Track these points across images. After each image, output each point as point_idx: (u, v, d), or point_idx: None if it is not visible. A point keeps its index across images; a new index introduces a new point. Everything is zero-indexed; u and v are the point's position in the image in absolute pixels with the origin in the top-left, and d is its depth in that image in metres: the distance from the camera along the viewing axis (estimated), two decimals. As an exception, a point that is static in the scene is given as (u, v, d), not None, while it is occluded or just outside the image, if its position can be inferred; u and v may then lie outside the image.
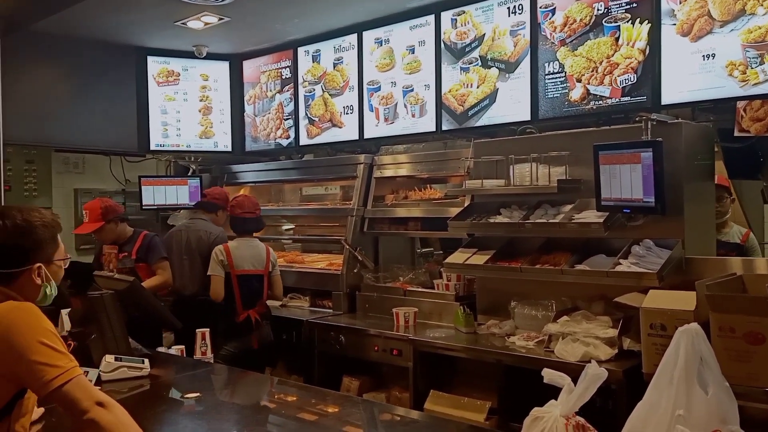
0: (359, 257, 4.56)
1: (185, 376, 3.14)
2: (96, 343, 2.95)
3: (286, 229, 5.66)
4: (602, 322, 3.16)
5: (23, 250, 1.84)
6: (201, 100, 5.84)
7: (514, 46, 4.04)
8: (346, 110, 5.05)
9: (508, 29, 4.07)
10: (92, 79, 5.39)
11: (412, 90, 4.60)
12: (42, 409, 2.27)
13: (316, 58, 5.27)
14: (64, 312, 3.41)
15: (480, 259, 3.71)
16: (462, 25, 4.31)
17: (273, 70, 5.63)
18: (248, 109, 5.88)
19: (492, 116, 4.17)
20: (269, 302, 4.35)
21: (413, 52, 4.60)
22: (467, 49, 4.29)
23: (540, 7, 3.91)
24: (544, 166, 3.58)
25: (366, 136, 4.93)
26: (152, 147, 5.71)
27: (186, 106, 5.79)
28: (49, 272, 1.89)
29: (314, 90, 5.29)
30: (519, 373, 3.19)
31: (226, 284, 4.11)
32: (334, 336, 4.18)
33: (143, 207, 5.63)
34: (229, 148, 5.95)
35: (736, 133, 3.40)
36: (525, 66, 4.00)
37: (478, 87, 4.23)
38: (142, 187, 5.62)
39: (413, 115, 4.61)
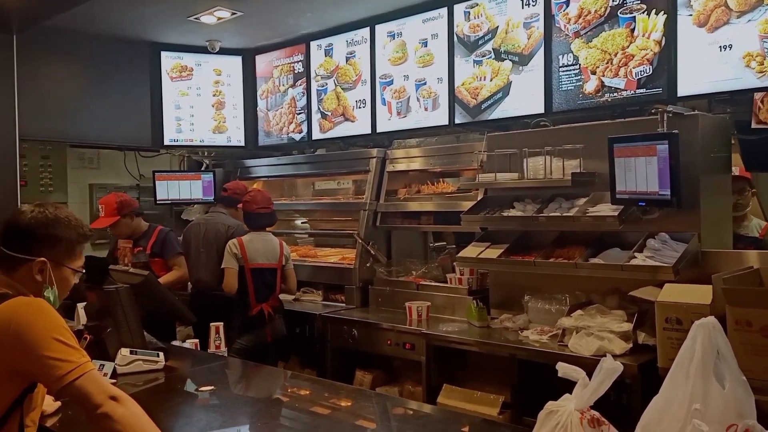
0: (372, 251, 4.56)
1: (200, 369, 3.16)
2: (111, 337, 2.97)
3: (302, 223, 5.66)
4: (617, 316, 3.13)
5: (32, 237, 1.82)
6: (214, 95, 5.86)
7: (528, 39, 4.01)
8: (358, 104, 5.05)
9: (522, 21, 4.04)
10: (107, 75, 5.42)
11: (425, 83, 4.59)
12: (58, 403, 2.30)
13: (328, 52, 5.26)
14: (80, 306, 3.45)
15: (493, 253, 3.69)
16: (475, 18, 4.28)
17: (286, 64, 5.63)
18: (261, 104, 5.89)
19: (505, 109, 4.14)
20: (282, 296, 4.37)
21: (426, 46, 4.58)
22: (480, 42, 4.26)
23: (554, -1, 3.88)
24: (558, 160, 3.55)
25: (378, 130, 4.92)
26: (166, 142, 5.74)
27: (199, 101, 5.81)
28: (54, 275, 1.84)
29: (327, 84, 5.28)
30: (532, 368, 3.18)
31: (240, 278, 4.13)
32: (347, 330, 4.19)
33: (157, 202, 5.67)
34: (242, 143, 5.97)
35: (754, 125, 3.35)
36: (539, 58, 3.96)
37: (491, 80, 4.20)
38: (156, 182, 5.66)
39: (426, 109, 4.59)
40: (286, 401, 2.72)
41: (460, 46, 4.37)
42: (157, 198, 5.66)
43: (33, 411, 1.83)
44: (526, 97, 4.03)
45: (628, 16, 3.58)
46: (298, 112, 5.53)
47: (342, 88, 5.16)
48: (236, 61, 5.89)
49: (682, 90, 3.41)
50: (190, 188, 5.73)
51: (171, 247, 4.37)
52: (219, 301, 4.18)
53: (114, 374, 2.76)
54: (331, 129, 5.27)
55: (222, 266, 4.18)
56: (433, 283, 4.27)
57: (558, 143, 3.57)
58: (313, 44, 5.38)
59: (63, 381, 1.64)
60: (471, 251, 3.80)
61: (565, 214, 3.45)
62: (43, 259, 1.83)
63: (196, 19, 4.90)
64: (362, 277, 4.58)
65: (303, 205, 5.57)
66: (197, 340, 3.56)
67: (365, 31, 4.97)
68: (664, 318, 2.72)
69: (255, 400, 2.84)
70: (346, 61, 5.12)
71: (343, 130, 5.18)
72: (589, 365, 1.84)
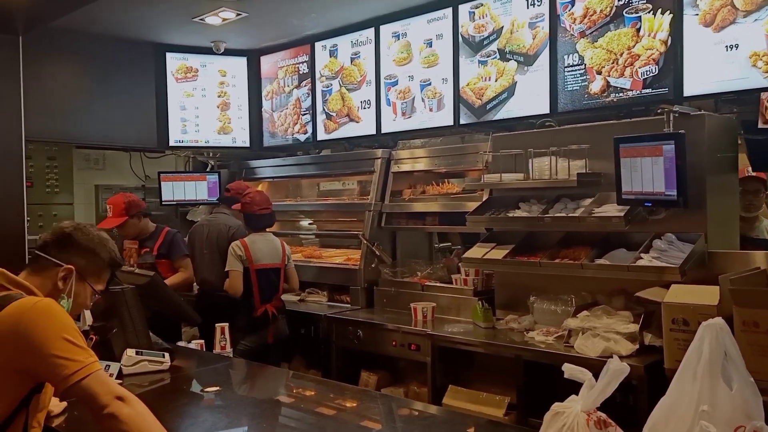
0: (377, 252, 4.56)
1: (205, 370, 3.16)
2: (117, 338, 2.98)
3: (309, 224, 5.67)
4: (623, 317, 3.12)
5: (71, 244, 1.91)
6: (219, 96, 5.87)
7: (533, 39, 4.01)
8: (363, 105, 5.05)
9: (527, 21, 4.03)
10: (112, 76, 5.44)
11: (430, 84, 4.58)
12: (65, 403, 2.30)
13: (333, 53, 5.27)
14: (86, 306, 3.44)
15: (499, 253, 3.68)
16: (480, 18, 4.27)
17: (290, 65, 5.64)
18: (266, 105, 5.90)
19: (510, 110, 4.14)
20: (285, 296, 4.37)
21: (431, 46, 4.58)
22: (485, 42, 4.25)
23: (559, -1, 3.87)
24: (564, 160, 3.54)
25: (383, 130, 4.92)
26: (171, 143, 5.76)
27: (204, 102, 5.82)
28: (75, 288, 1.89)
29: (331, 85, 5.28)
30: (538, 369, 3.17)
31: (245, 279, 4.13)
32: (352, 331, 4.19)
33: (163, 203, 5.69)
34: (247, 144, 5.97)
35: (760, 125, 3.33)
36: (544, 59, 3.96)
37: (496, 80, 4.19)
38: (162, 183, 5.68)
39: (431, 109, 4.59)
40: (291, 402, 2.72)
41: (465, 47, 4.37)
42: (163, 199, 5.67)
43: (39, 412, 1.83)
44: (531, 97, 4.03)
45: (634, 15, 3.57)
46: (303, 112, 5.54)
47: (347, 89, 5.16)
48: (241, 62, 5.90)
49: (689, 90, 3.40)
50: (196, 189, 5.74)
51: (178, 248, 4.37)
52: (224, 301, 4.18)
53: (120, 375, 2.76)
54: (336, 130, 5.27)
55: (226, 269, 4.16)
56: (438, 284, 4.26)
57: (563, 143, 3.56)
58: (318, 45, 5.38)
59: (70, 380, 1.64)
60: (476, 252, 3.79)
61: (570, 215, 3.44)
62: (71, 267, 1.89)
63: (201, 20, 4.91)
64: (367, 278, 4.58)
65: (308, 206, 5.58)
66: (202, 341, 3.57)
67: (370, 32, 4.97)
68: (670, 319, 2.70)
69: (260, 400, 2.84)
70: (351, 62, 5.12)
71: (348, 130, 5.18)
72: (595, 366, 1.84)
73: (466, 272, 4.09)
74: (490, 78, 4.23)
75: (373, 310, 4.48)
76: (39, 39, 4.83)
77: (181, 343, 3.64)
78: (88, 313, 3.34)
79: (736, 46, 3.22)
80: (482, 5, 4.25)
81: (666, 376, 2.65)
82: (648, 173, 3.08)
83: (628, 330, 3.00)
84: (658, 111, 3.23)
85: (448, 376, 3.61)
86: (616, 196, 3.27)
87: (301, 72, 5.55)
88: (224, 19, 4.90)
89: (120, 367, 2.81)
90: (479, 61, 4.29)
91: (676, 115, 3.14)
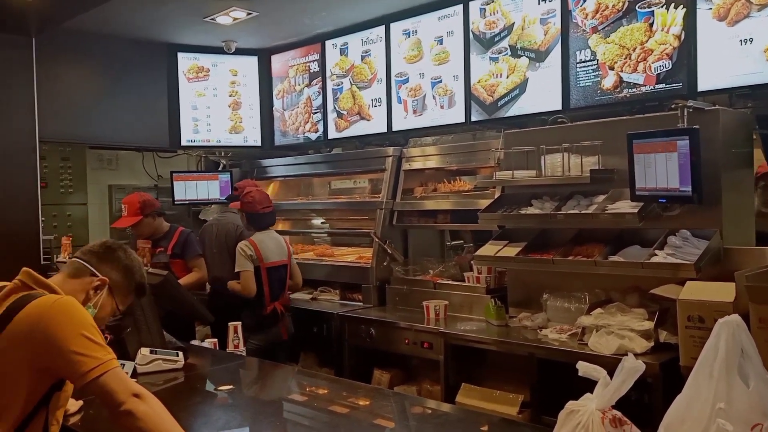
0: (389, 250, 4.56)
1: (218, 368, 3.18)
2: (131, 337, 3.00)
3: (321, 223, 5.68)
4: (637, 314, 3.10)
5: (112, 259, 1.99)
6: (230, 96, 5.89)
7: (545, 35, 3.98)
8: (374, 103, 5.04)
9: (538, 17, 4.01)
10: (124, 77, 5.48)
11: (441, 81, 4.57)
12: (80, 402, 2.32)
13: (343, 51, 5.26)
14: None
15: (511, 251, 3.67)
16: (491, 15, 4.26)
17: (301, 64, 5.64)
18: (277, 104, 5.91)
19: (522, 106, 4.12)
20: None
21: (441, 43, 4.56)
22: (496, 39, 4.23)
23: (571, -6, 3.84)
24: (576, 156, 3.52)
25: (394, 128, 4.92)
26: (183, 143, 5.79)
27: (216, 101, 5.84)
28: (104, 299, 1.95)
29: (342, 83, 5.28)
30: (552, 367, 3.15)
31: (256, 278, 4.13)
32: (365, 329, 4.19)
33: (175, 202, 5.72)
34: (259, 143, 5.99)
35: (776, 120, 3.31)
36: (556, 54, 3.93)
37: (507, 77, 4.18)
38: (174, 183, 5.70)
39: (442, 107, 4.58)
40: (304, 400, 2.72)
41: (475, 43, 4.35)
42: (175, 198, 5.70)
43: (58, 410, 1.86)
44: (543, 93, 4.00)
45: (647, 10, 3.54)
46: (313, 111, 5.54)
47: (357, 87, 5.16)
48: (252, 61, 5.92)
49: (703, 85, 3.37)
50: (208, 188, 5.77)
51: (192, 248, 4.39)
52: (237, 300, 4.19)
53: (134, 374, 2.78)
54: (347, 128, 5.27)
55: (236, 270, 4.14)
56: (450, 282, 4.25)
57: (576, 140, 3.54)
58: (329, 43, 5.38)
59: (87, 377, 1.67)
60: (489, 249, 3.78)
61: (583, 212, 3.41)
62: (106, 278, 1.96)
63: (212, 19, 4.92)
64: (379, 276, 4.58)
65: (319, 205, 5.58)
66: (216, 340, 3.58)
67: (380, 30, 4.96)
68: (686, 316, 2.68)
69: (274, 399, 2.85)
70: (362, 60, 5.11)
71: (359, 129, 5.18)
72: (609, 364, 1.83)
73: (478, 270, 4.08)
74: (501, 75, 4.21)
75: (385, 309, 4.48)
76: (52, 40, 4.87)
77: (194, 342, 3.66)
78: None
79: (751, 41, 3.19)
80: (493, 1, 4.23)
81: (681, 373, 2.63)
82: (662, 169, 3.05)
83: (643, 327, 2.98)
84: (672, 106, 3.20)
85: (460, 374, 3.60)
86: (629, 192, 3.25)
87: (311, 71, 5.55)
88: (235, 19, 4.91)
89: (134, 366, 2.83)
90: (490, 58, 4.27)
91: (690, 110, 3.11)
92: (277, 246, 4.26)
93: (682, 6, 3.41)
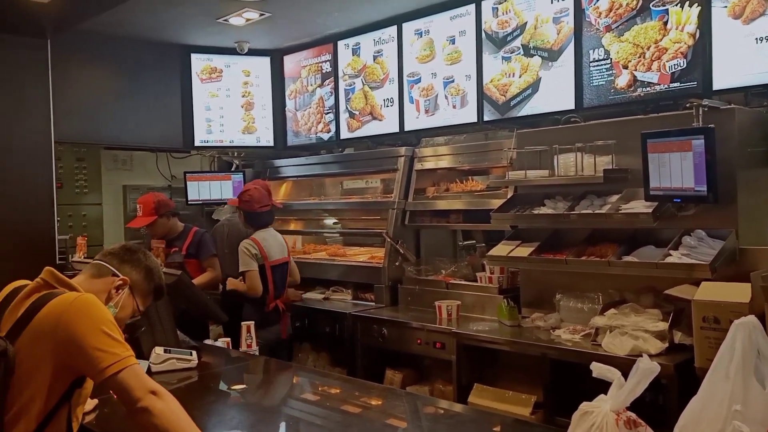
0: (401, 250, 4.56)
1: (232, 368, 3.20)
2: (146, 336, 3.02)
3: (334, 223, 5.69)
4: (651, 315, 3.08)
5: (133, 261, 2.03)
6: (243, 96, 5.92)
7: (558, 34, 3.96)
8: (386, 103, 5.04)
9: (551, 17, 3.99)
10: (138, 78, 5.51)
11: (453, 81, 4.56)
12: (95, 401, 2.34)
13: (356, 52, 5.27)
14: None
15: (524, 251, 3.65)
16: (503, 14, 4.24)
17: (313, 64, 5.65)
18: (289, 104, 5.93)
19: (535, 106, 4.10)
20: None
21: (454, 43, 4.55)
22: (509, 38, 4.22)
23: (584, -7, 3.82)
24: (590, 156, 3.50)
25: (406, 128, 4.91)
26: (197, 143, 5.82)
27: (229, 102, 5.87)
28: (125, 299, 1.98)
29: (354, 83, 5.29)
30: (565, 367, 3.14)
31: (260, 276, 4.09)
32: (377, 329, 4.19)
33: (189, 202, 5.75)
34: (271, 143, 6.01)
35: (793, 119, 3.27)
36: (569, 54, 3.91)
37: (520, 76, 4.16)
38: (188, 183, 5.74)
39: (454, 107, 4.57)
40: (317, 400, 2.73)
41: (488, 43, 4.34)
42: (189, 198, 5.74)
43: (79, 406, 1.88)
44: (556, 93, 3.99)
45: (661, 8, 3.51)
46: (326, 111, 5.55)
47: (369, 87, 5.16)
48: (265, 62, 5.94)
49: (718, 83, 3.34)
50: (221, 188, 5.80)
51: (206, 248, 4.41)
52: (248, 300, 4.21)
53: (148, 372, 2.78)
54: (359, 128, 5.28)
55: (241, 269, 4.11)
56: (462, 282, 4.24)
57: (589, 139, 3.52)
58: (341, 44, 5.39)
59: (106, 373, 1.69)
60: (501, 249, 3.77)
61: (597, 212, 3.39)
62: (127, 278, 1.99)
63: (225, 20, 4.95)
64: (391, 276, 4.58)
65: (331, 205, 5.59)
66: (229, 339, 3.60)
67: (392, 30, 4.96)
68: (701, 317, 2.66)
69: (286, 398, 2.86)
70: (374, 60, 5.12)
71: (371, 129, 5.18)
72: (623, 365, 1.81)
73: (491, 270, 4.07)
74: (514, 74, 4.20)
75: (397, 308, 4.48)
76: (67, 42, 4.91)
77: (208, 341, 3.67)
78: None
79: (766, 39, 3.15)
80: (506, 1, 4.22)
81: (696, 375, 2.61)
82: (677, 169, 3.03)
83: (657, 328, 2.96)
84: (687, 105, 3.18)
85: (473, 374, 3.59)
86: (644, 192, 3.22)
87: (324, 71, 5.56)
88: (248, 20, 4.93)
89: (149, 365, 2.84)
90: (503, 58, 4.26)
91: (705, 109, 3.08)
92: (279, 244, 4.27)
93: (696, 4, 3.38)
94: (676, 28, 3.45)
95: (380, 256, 4.72)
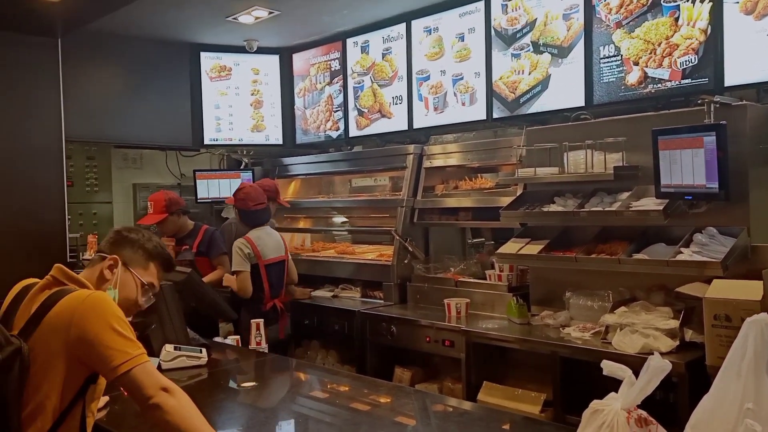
0: (410, 248, 4.55)
1: (241, 365, 3.21)
2: (156, 333, 3.04)
3: (342, 222, 5.69)
4: (662, 313, 3.06)
5: (118, 239, 2.05)
6: (252, 94, 5.93)
7: (567, 30, 3.94)
8: (395, 100, 5.04)
9: (561, 13, 3.97)
10: (148, 76, 5.53)
11: (462, 78, 4.55)
12: (106, 398, 2.35)
13: (364, 49, 5.27)
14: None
15: (533, 249, 3.64)
16: (513, 11, 4.23)
17: (322, 62, 5.66)
18: (298, 102, 5.94)
19: (544, 103, 4.08)
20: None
21: (463, 40, 4.54)
22: (518, 35, 4.20)
23: (594, -11, 3.80)
24: (600, 153, 3.48)
25: (415, 126, 4.91)
26: (206, 141, 5.84)
27: (238, 100, 5.88)
28: (122, 277, 1.99)
29: (363, 81, 5.29)
30: (574, 365, 3.13)
31: (254, 275, 4.06)
32: (386, 327, 4.19)
33: (198, 200, 5.78)
34: (280, 141, 6.02)
35: (806, 115, 3.23)
36: (579, 50, 3.89)
37: (529, 73, 4.14)
38: (197, 181, 5.76)
39: (463, 104, 4.56)
40: (326, 397, 2.74)
41: (497, 40, 4.32)
42: (198, 196, 5.76)
43: (93, 402, 1.90)
44: (565, 90, 3.97)
45: (672, 4, 3.49)
46: (335, 109, 5.55)
47: (378, 85, 5.16)
48: (274, 60, 5.95)
49: (730, 80, 3.31)
50: (230, 187, 5.80)
51: (217, 246, 4.42)
52: (244, 299, 4.20)
53: (159, 370, 2.80)
54: (368, 126, 5.28)
55: (233, 269, 4.06)
56: (471, 280, 4.24)
57: (599, 136, 3.50)
58: (350, 41, 5.38)
59: (118, 371, 1.71)
60: (511, 247, 3.75)
61: (607, 209, 3.38)
62: (115, 256, 2.00)
63: (234, 19, 4.96)
64: (400, 274, 4.57)
65: (340, 203, 5.60)
66: (238, 337, 3.61)
67: (401, 27, 4.95)
68: (712, 315, 2.64)
69: (296, 396, 2.86)
70: (383, 58, 5.11)
71: (380, 126, 5.18)
72: (633, 363, 1.80)
73: (500, 268, 4.06)
74: (523, 71, 4.18)
75: (406, 306, 4.48)
76: (77, 42, 4.94)
77: (217, 339, 3.69)
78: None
79: (780, 34, 3.12)
80: (515, -2, 4.20)
81: (707, 373, 2.60)
82: (688, 166, 3.01)
83: (668, 326, 2.94)
84: (698, 102, 3.15)
85: (482, 372, 3.58)
86: (654, 189, 3.20)
87: (332, 69, 5.56)
88: (257, 18, 4.94)
89: (159, 362, 2.86)
90: (512, 55, 4.24)
91: (717, 105, 3.05)
92: (275, 242, 4.23)
93: (708, 0, 3.35)
94: (688, 24, 3.43)
95: (389, 254, 4.72)
